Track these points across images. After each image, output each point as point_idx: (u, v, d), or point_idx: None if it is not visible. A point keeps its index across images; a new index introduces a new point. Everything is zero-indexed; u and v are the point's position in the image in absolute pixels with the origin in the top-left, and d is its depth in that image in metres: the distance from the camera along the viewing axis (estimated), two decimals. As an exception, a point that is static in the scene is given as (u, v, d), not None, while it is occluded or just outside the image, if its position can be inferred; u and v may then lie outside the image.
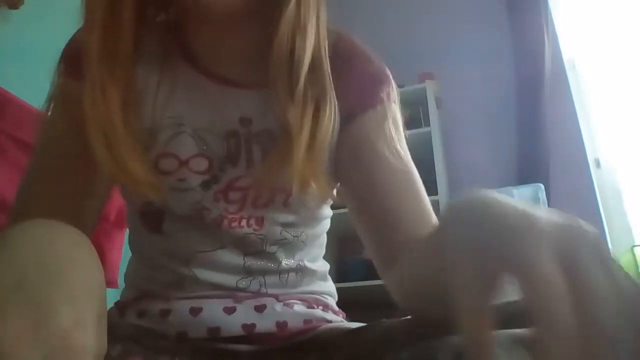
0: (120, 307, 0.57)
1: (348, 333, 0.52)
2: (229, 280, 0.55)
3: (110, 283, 1.38)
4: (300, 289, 0.59)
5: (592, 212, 2.09)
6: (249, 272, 0.55)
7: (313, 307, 0.58)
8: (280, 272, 0.57)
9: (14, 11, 1.41)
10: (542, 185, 1.96)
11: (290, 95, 0.50)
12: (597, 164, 2.25)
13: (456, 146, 2.43)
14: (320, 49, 0.52)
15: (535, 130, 2.24)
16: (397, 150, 0.55)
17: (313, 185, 0.51)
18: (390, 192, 0.54)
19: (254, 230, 0.55)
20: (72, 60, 0.54)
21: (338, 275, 2.19)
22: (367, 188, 0.55)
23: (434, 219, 0.54)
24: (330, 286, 0.65)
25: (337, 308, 0.64)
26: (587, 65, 2.41)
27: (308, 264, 0.60)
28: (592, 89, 2.36)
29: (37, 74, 1.46)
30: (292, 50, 0.50)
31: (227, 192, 0.54)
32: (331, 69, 0.54)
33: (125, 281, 0.61)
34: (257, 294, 0.55)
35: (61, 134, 0.54)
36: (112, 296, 0.62)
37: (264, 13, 0.51)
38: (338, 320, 0.61)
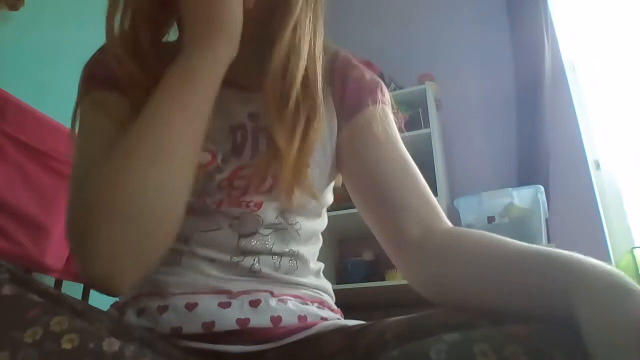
0: (119, 307, 0.58)
1: (344, 337, 0.52)
2: (224, 257, 0.57)
3: (109, 284, 1.38)
4: (294, 279, 0.60)
5: (591, 213, 2.09)
6: (243, 252, 0.58)
7: (307, 304, 0.59)
8: (273, 254, 0.59)
9: (13, 12, 1.42)
10: (541, 187, 1.96)
11: (281, 118, 0.55)
12: (597, 165, 2.25)
13: (456, 147, 2.44)
14: (315, 68, 0.58)
15: (535, 131, 2.24)
16: (392, 141, 0.62)
17: (296, 192, 0.57)
18: (391, 177, 0.59)
19: (252, 210, 0.59)
20: (99, 76, 0.59)
21: (338, 276, 2.19)
22: (368, 176, 0.61)
23: (434, 200, 0.60)
24: (325, 283, 0.66)
25: (334, 306, 0.65)
26: (586, 67, 2.41)
27: (302, 252, 0.62)
28: (592, 90, 2.37)
29: (37, 74, 1.47)
30: (285, 71, 0.55)
31: (231, 179, 0.58)
32: (331, 80, 0.64)
33: None
34: (252, 290, 0.56)
35: (110, 127, 0.55)
36: (111, 298, 0.62)
37: (264, 35, 0.56)
38: (334, 317, 0.61)
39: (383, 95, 0.66)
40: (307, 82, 0.58)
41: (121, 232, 0.46)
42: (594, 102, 2.35)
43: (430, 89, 2.29)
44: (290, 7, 0.56)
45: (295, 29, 0.56)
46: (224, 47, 0.52)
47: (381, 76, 2.45)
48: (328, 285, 0.66)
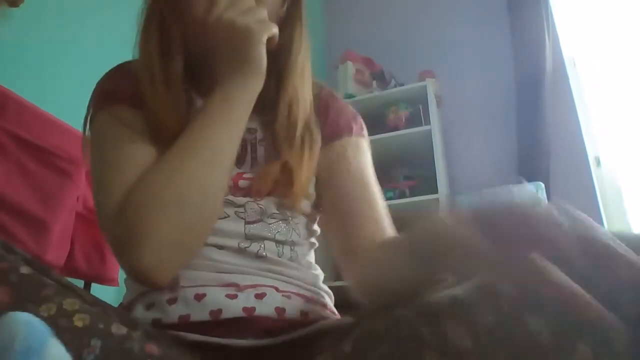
0: (126, 305, 0.60)
1: (336, 334, 0.53)
2: (232, 243, 0.61)
3: (111, 281, 1.38)
4: (296, 265, 0.64)
5: (592, 210, 2.09)
6: (249, 237, 0.62)
7: (310, 303, 0.62)
8: (276, 241, 0.64)
9: (14, 9, 1.42)
10: (542, 184, 1.96)
11: (291, 147, 0.66)
12: (598, 162, 2.25)
13: (456, 144, 2.44)
14: (309, 102, 0.70)
15: (536, 128, 2.24)
16: (360, 167, 0.71)
17: (304, 200, 0.67)
18: (352, 197, 0.68)
19: (255, 200, 0.64)
20: (118, 93, 0.65)
21: (336, 274, 2.19)
22: (336, 193, 0.69)
23: (387, 221, 0.67)
24: (325, 286, 0.69)
25: (334, 309, 0.68)
26: (587, 64, 2.41)
27: (301, 244, 0.67)
28: (593, 87, 2.37)
29: (37, 71, 1.47)
30: (290, 112, 0.67)
31: (236, 182, 0.64)
32: (317, 108, 0.72)
33: (126, 285, 0.64)
34: (258, 285, 0.59)
35: (138, 137, 0.61)
36: (113, 295, 0.63)
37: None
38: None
39: (360, 128, 0.75)
40: (307, 115, 0.69)
41: (178, 228, 0.53)
42: (595, 98, 2.35)
43: (430, 85, 2.29)
44: (294, 56, 0.68)
45: (299, 75, 0.68)
46: (257, 81, 0.62)
47: (382, 73, 2.45)
48: (326, 288, 0.69)
